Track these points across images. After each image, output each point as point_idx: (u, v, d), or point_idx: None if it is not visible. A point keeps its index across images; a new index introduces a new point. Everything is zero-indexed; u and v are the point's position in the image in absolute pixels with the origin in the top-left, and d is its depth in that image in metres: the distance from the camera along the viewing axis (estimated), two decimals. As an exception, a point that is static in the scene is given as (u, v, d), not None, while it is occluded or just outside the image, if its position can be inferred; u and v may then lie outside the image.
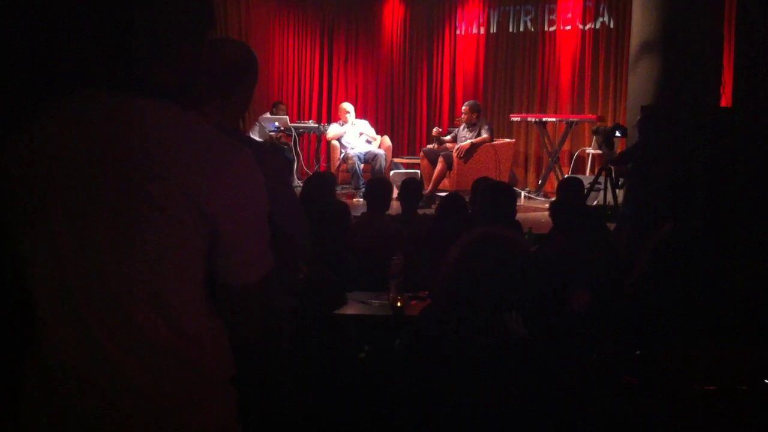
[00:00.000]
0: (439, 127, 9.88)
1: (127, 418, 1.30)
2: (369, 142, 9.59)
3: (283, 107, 10.48)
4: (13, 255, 1.35)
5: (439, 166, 8.88)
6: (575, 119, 9.85)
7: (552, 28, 10.75)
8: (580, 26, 10.50)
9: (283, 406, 2.33)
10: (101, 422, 1.30)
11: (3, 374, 1.69)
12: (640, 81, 7.20)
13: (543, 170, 10.19)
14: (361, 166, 9.24)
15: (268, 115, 9.98)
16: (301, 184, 8.87)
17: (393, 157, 10.14)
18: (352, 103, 10.11)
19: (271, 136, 9.54)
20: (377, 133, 9.99)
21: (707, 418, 2.24)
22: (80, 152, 1.29)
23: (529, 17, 10.93)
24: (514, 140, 9.90)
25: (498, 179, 7.35)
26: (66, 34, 1.62)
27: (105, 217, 1.27)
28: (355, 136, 9.55)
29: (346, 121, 9.65)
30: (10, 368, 1.55)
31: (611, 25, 10.26)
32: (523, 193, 9.40)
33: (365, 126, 9.75)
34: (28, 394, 1.36)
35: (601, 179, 7.51)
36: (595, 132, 7.97)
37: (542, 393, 2.32)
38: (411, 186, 5.57)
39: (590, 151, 9.85)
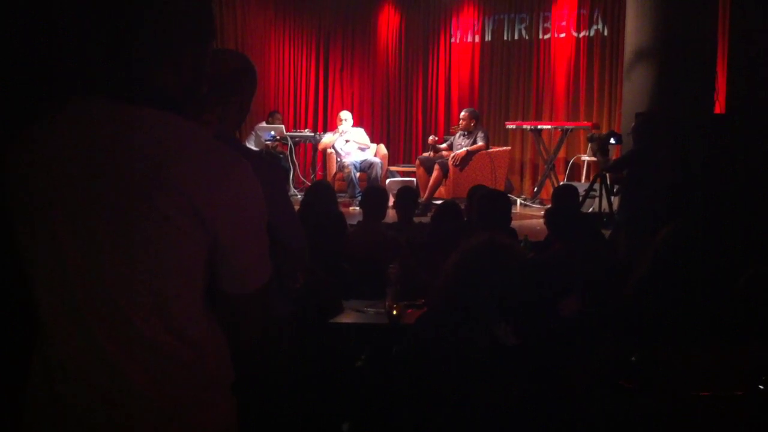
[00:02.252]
0: (435, 135, 9.90)
1: (127, 419, 1.30)
2: (362, 149, 9.57)
3: (279, 116, 10.49)
4: (15, 255, 1.35)
5: (434, 174, 8.89)
6: (570, 126, 9.87)
7: (546, 36, 10.79)
8: (575, 34, 10.54)
9: (282, 409, 2.33)
10: (101, 423, 1.30)
11: (5, 374, 1.69)
12: (634, 88, 7.22)
13: (539, 177, 10.20)
14: (357, 174, 9.23)
15: (264, 124, 10.00)
16: (297, 193, 8.92)
17: (389, 165, 10.13)
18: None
19: (267, 145, 9.55)
20: (372, 141, 9.98)
21: (707, 419, 2.24)
22: (80, 153, 1.29)
23: (523, 25, 10.96)
24: (509, 148, 9.92)
25: (494, 187, 7.38)
26: (66, 35, 1.63)
27: (105, 218, 1.27)
28: (346, 143, 9.53)
29: (338, 128, 9.65)
30: (12, 368, 1.55)
31: (605, 33, 10.29)
32: (518, 201, 9.41)
33: (360, 134, 9.73)
34: (31, 395, 1.36)
35: (597, 186, 7.53)
36: (590, 139, 8.01)
37: (542, 394, 2.33)
38: (406, 194, 5.58)
39: (585, 158, 9.86)
